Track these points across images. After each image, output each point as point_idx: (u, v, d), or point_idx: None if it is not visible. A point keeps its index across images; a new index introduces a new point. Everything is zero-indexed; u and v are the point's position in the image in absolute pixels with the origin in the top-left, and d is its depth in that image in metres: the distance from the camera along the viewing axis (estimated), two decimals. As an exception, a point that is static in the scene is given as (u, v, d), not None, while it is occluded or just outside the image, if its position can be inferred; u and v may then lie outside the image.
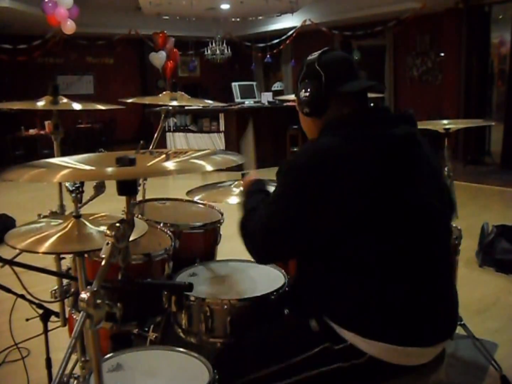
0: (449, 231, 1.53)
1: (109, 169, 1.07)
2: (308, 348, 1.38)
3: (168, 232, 1.98)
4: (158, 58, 10.80)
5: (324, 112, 1.47)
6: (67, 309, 2.04)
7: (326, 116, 1.47)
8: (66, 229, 1.52)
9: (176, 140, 9.11)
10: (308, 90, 1.46)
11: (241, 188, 1.56)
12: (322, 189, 1.30)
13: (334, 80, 1.45)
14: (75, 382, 1.80)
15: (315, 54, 1.50)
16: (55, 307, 1.99)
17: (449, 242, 1.49)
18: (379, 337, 1.31)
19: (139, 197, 2.35)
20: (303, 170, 1.35)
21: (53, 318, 1.91)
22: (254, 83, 10.04)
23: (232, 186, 2.18)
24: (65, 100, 2.06)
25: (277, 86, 9.86)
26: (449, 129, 2.52)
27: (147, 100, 2.66)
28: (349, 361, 1.34)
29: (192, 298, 1.61)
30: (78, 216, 1.58)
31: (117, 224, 1.09)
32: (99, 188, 1.97)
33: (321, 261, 1.38)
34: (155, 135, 2.38)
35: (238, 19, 10.98)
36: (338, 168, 1.31)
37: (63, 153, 1.78)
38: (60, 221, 1.60)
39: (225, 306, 1.58)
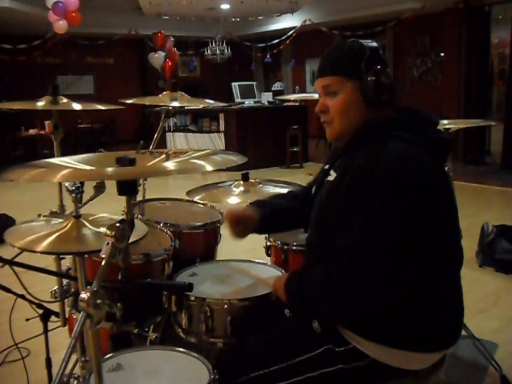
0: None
1: (109, 169, 1.07)
2: (310, 349, 1.38)
3: (168, 232, 1.97)
4: (157, 58, 10.80)
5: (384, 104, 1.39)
6: (67, 309, 2.04)
7: (379, 110, 1.40)
8: (66, 229, 1.52)
9: (176, 140, 9.11)
10: (386, 76, 1.36)
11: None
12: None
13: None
14: (75, 382, 1.80)
15: (371, 42, 1.41)
16: (55, 307, 1.99)
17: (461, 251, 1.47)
18: (385, 341, 1.31)
19: (139, 197, 2.35)
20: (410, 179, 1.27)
21: (53, 318, 1.90)
22: (254, 83, 10.04)
23: (232, 186, 2.18)
24: (65, 100, 2.05)
25: (277, 86, 9.86)
26: (449, 129, 2.51)
27: (147, 101, 2.66)
28: (351, 364, 1.34)
29: (192, 298, 1.61)
30: (78, 216, 1.57)
31: (117, 224, 1.08)
32: (99, 188, 1.97)
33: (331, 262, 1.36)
34: (155, 135, 2.37)
35: (238, 19, 10.99)
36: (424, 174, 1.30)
37: (63, 153, 1.78)
38: (60, 220, 1.59)
39: (225, 306, 1.57)
